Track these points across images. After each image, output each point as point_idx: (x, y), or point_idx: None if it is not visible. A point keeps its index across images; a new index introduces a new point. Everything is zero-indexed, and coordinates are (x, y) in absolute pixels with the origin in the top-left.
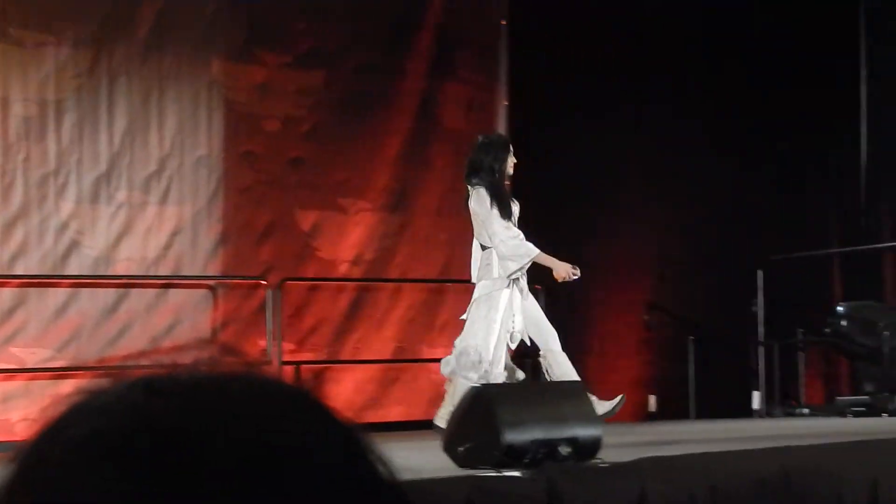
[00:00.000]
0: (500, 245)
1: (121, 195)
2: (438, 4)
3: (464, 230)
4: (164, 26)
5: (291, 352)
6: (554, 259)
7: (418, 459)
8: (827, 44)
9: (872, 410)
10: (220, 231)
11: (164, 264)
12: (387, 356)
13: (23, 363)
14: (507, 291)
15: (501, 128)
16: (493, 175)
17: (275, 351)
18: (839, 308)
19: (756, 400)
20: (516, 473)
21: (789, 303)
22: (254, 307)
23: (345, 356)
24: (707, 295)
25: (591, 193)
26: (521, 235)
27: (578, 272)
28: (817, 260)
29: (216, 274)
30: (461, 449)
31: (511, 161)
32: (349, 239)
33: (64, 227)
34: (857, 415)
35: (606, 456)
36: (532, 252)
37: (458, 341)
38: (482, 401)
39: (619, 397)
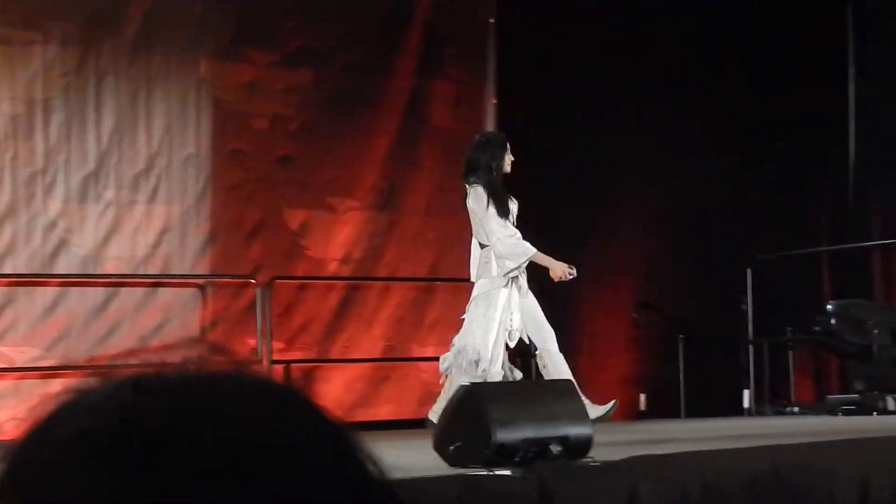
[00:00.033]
0: (497, 244)
1: (109, 194)
2: (427, 2)
3: (452, 229)
4: (152, 25)
5: (281, 350)
6: (551, 259)
7: (408, 458)
8: (826, 44)
9: (862, 409)
10: (209, 230)
11: (152, 263)
12: (376, 355)
13: (12, 362)
14: (505, 290)
15: (490, 126)
16: (490, 173)
17: (264, 350)
18: (828, 306)
19: (746, 398)
20: (507, 472)
21: (779, 301)
22: (243, 306)
23: (334, 355)
24: (696, 293)
25: (580, 191)
26: (518, 234)
27: (575, 272)
28: (807, 258)
29: (205, 273)
30: (452, 448)
31: (508, 159)
32: (338, 238)
33: (52, 225)
34: (847, 413)
35: (597, 455)
36: (529, 251)
37: (456, 339)
38: (473, 399)
39: (611, 402)
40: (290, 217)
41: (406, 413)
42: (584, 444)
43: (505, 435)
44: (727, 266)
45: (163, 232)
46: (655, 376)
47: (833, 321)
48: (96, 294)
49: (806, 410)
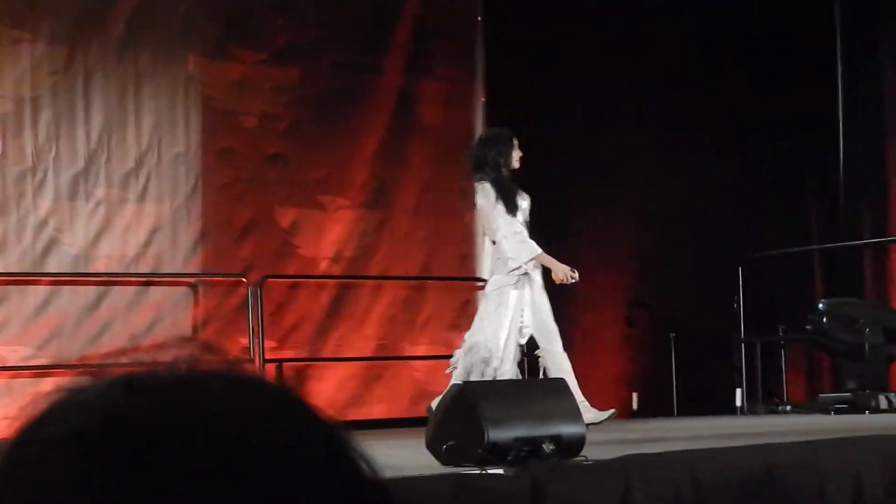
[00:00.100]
0: (503, 241)
1: (99, 192)
2: (416, 0)
3: (443, 227)
4: (140, 24)
5: (273, 349)
6: (554, 260)
7: (401, 457)
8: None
9: (855, 407)
10: (200, 228)
11: (143, 262)
12: (368, 353)
13: (3, 361)
14: (518, 286)
15: (479, 124)
16: (497, 170)
17: (256, 349)
18: (820, 305)
19: (739, 397)
20: (499, 471)
21: (771, 300)
22: (234, 305)
23: (326, 354)
24: (689, 292)
25: (571, 190)
26: (524, 233)
27: (577, 275)
28: (799, 257)
29: (196, 271)
30: (444, 446)
31: (516, 154)
32: (329, 236)
33: (42, 224)
34: (839, 412)
35: (590, 453)
36: (533, 251)
37: (467, 336)
38: (465, 398)
39: (610, 411)
40: (280, 216)
41: (398, 412)
42: (576, 443)
43: (498, 434)
44: (720, 265)
45: (154, 230)
46: (648, 375)
47: (825, 320)
48: (88, 293)
49: (798, 409)
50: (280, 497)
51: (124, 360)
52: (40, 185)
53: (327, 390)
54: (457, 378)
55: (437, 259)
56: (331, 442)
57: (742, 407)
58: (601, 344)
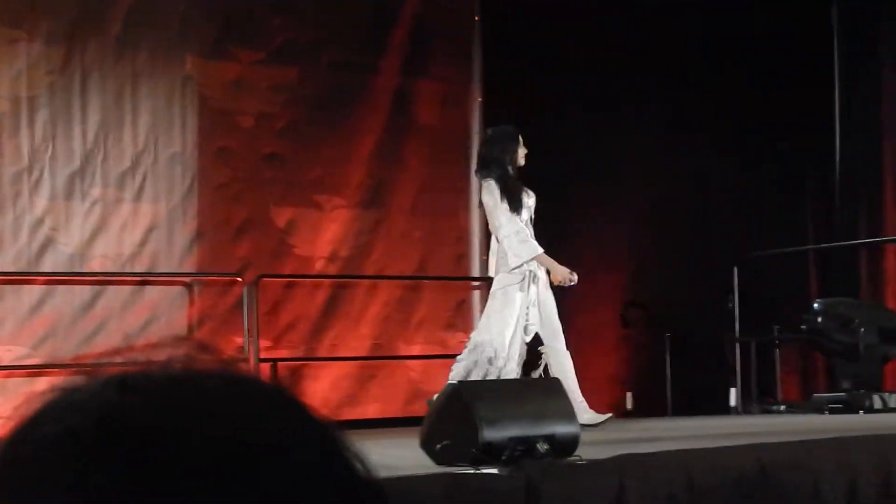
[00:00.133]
0: (504, 239)
1: (95, 192)
2: (413, 0)
3: (439, 227)
4: (137, 23)
5: (268, 349)
6: (554, 262)
7: (395, 456)
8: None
9: (849, 407)
10: (196, 228)
11: (139, 261)
12: (363, 353)
13: None
14: (523, 285)
15: (476, 124)
16: (503, 168)
17: (251, 348)
18: (815, 305)
19: (733, 397)
20: (494, 471)
21: (765, 299)
22: (230, 304)
23: (321, 353)
24: (683, 292)
25: (566, 190)
26: (527, 232)
27: (576, 278)
28: (794, 257)
29: (192, 271)
30: (439, 446)
31: (522, 152)
32: (325, 236)
33: (38, 223)
34: (833, 411)
35: (584, 453)
36: (534, 251)
37: (473, 335)
38: (460, 397)
39: (607, 415)
40: (276, 215)
41: (393, 411)
42: (570, 443)
43: (492, 433)
44: (714, 265)
45: (149, 230)
46: (642, 375)
47: (820, 320)
48: (83, 292)
49: (793, 409)
50: (275, 496)
51: (119, 359)
52: (36, 185)
53: (322, 390)
54: (454, 377)
55: (433, 259)
56: (325, 441)
57: (736, 407)
58: (596, 343)
